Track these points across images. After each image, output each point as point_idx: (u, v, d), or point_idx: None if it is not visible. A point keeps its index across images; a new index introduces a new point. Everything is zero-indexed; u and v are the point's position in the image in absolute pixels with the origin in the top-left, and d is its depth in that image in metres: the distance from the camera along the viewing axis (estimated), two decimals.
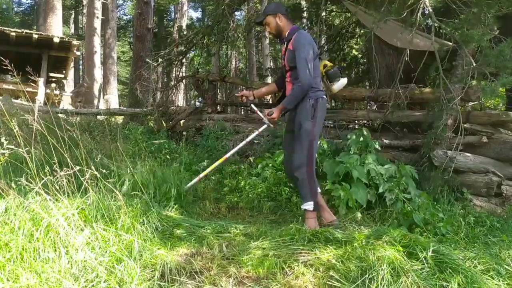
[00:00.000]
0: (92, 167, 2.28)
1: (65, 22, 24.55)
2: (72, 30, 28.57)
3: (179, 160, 4.73)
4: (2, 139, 2.31)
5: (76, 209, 2.14)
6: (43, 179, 2.18)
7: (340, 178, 3.67)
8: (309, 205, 3.08)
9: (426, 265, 2.10)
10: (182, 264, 2.12)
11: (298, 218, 3.29)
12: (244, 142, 3.60)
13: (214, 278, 2.03)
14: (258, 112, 3.53)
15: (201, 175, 3.54)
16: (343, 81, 3.45)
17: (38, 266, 1.68)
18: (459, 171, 4.23)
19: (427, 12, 4.43)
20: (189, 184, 3.54)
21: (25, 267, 1.67)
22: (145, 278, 1.94)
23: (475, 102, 4.77)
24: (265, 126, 3.43)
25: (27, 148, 2.31)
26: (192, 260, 2.19)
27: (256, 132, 3.58)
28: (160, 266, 2.04)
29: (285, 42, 3.22)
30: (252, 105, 3.59)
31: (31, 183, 2.13)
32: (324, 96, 3.19)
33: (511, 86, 3.97)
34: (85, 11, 21.32)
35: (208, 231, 2.66)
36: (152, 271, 2.02)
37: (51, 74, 14.06)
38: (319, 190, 3.28)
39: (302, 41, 3.08)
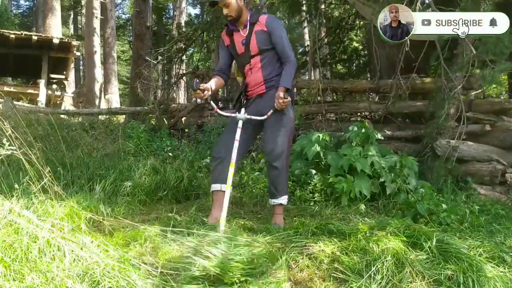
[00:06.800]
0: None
1: (64, 22, 24.52)
2: (72, 31, 28.54)
3: (181, 157, 4.73)
4: (4, 140, 2.31)
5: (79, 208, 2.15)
6: (45, 179, 2.18)
7: (345, 171, 3.66)
8: (284, 199, 2.88)
9: (430, 254, 2.09)
10: (186, 261, 2.12)
11: (302, 212, 3.28)
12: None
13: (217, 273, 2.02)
14: (218, 110, 3.01)
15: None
16: None
17: (43, 266, 1.69)
18: (463, 160, 4.22)
19: (426, 1, 4.40)
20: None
21: (30, 267, 1.68)
22: (150, 275, 1.94)
23: (478, 91, 4.75)
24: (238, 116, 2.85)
25: (27, 148, 2.31)
26: (196, 256, 2.19)
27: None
28: (163, 263, 2.04)
29: (247, 26, 2.89)
30: (212, 102, 2.96)
31: (34, 184, 2.13)
32: None
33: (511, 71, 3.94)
34: (83, 11, 21.31)
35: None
36: (156, 268, 2.02)
37: (52, 75, 14.10)
38: (220, 187, 2.79)
39: (279, 23, 2.95)
